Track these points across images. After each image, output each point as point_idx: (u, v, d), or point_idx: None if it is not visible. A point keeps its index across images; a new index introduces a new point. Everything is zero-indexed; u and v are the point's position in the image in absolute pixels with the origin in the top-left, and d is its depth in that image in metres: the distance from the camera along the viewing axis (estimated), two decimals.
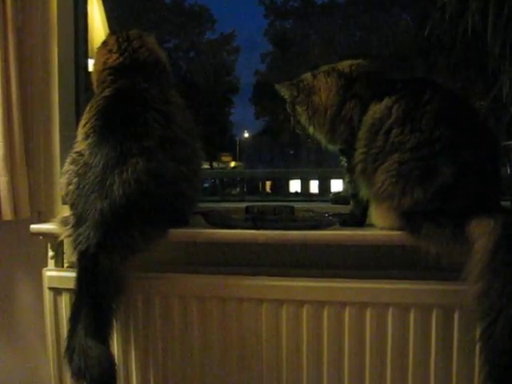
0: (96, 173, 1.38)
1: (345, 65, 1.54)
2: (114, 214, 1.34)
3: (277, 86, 1.61)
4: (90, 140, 1.44)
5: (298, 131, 1.62)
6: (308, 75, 1.58)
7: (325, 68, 1.57)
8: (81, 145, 1.46)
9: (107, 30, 2.27)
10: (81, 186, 1.40)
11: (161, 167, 1.39)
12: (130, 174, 1.35)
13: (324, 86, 1.52)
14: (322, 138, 1.57)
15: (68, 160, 1.49)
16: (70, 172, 1.45)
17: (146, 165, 1.37)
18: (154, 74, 1.54)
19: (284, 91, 1.60)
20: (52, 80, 1.83)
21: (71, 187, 1.44)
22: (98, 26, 2.23)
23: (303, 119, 1.57)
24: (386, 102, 1.39)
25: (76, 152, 1.47)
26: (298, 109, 1.57)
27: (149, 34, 1.64)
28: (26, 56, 1.79)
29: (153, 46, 1.62)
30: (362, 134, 1.42)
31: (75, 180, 1.43)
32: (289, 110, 1.61)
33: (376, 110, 1.40)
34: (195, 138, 1.53)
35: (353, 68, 1.52)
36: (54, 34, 1.82)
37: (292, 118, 1.61)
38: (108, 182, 1.36)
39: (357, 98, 1.47)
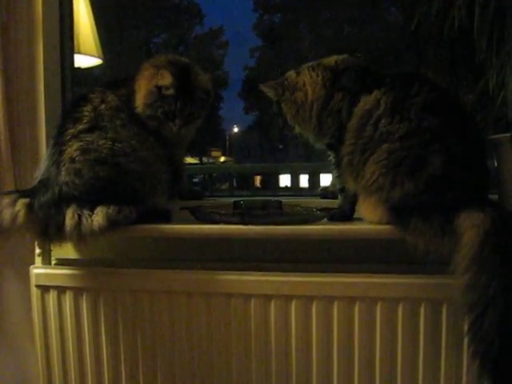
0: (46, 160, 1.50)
1: (330, 59, 1.54)
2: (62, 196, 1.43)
3: (261, 87, 1.60)
4: None
5: (287, 131, 1.61)
6: (291, 73, 1.57)
7: (309, 64, 1.57)
8: None
9: (93, 26, 2.26)
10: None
11: (92, 144, 1.46)
12: (66, 155, 1.45)
13: (309, 80, 1.51)
14: (310, 134, 1.56)
15: None
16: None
17: (79, 144, 1.46)
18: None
19: (269, 91, 1.58)
20: (37, 76, 1.80)
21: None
22: (84, 21, 2.22)
23: (289, 117, 1.56)
24: (376, 93, 1.40)
25: None
26: (284, 107, 1.56)
27: None
28: (10, 52, 1.77)
29: None
30: (351, 125, 1.42)
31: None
32: (275, 110, 1.60)
33: (366, 101, 1.41)
34: (132, 131, 1.53)
35: (338, 62, 1.52)
36: (39, 29, 1.79)
37: (280, 118, 1.59)
38: (53, 167, 1.46)
39: (345, 91, 1.46)
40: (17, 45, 1.79)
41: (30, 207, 1.44)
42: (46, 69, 1.81)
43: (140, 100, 1.53)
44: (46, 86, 1.81)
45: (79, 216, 1.41)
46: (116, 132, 1.49)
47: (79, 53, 2.17)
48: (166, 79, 1.50)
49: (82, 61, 2.22)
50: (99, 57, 2.30)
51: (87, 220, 1.41)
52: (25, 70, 1.80)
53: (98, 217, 1.42)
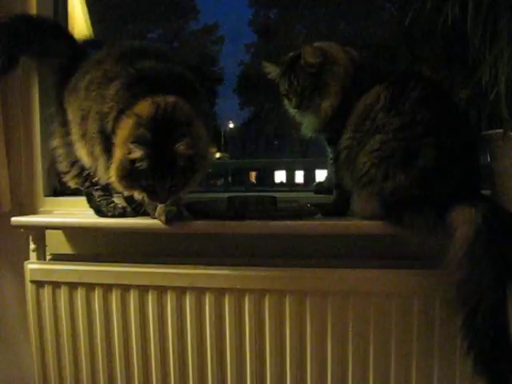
0: None
1: (353, 52, 1.52)
2: None
3: (303, 50, 1.46)
4: None
5: (301, 110, 1.51)
6: (321, 44, 1.51)
7: (331, 43, 1.52)
8: None
9: (88, 20, 2.25)
10: None
11: None
12: None
13: (341, 58, 1.48)
14: (323, 119, 1.49)
15: None
16: None
17: None
18: None
19: (309, 56, 1.46)
20: (31, 70, 1.80)
21: None
22: (78, 15, 2.21)
23: (332, 92, 1.46)
24: (377, 88, 1.41)
25: None
26: (327, 78, 1.46)
27: None
28: None
29: None
30: (351, 120, 1.43)
31: None
32: (304, 81, 1.47)
33: (367, 96, 1.42)
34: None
35: (358, 58, 1.51)
36: None
37: (303, 92, 1.47)
38: None
39: (358, 87, 1.45)
40: None
41: None
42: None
43: (113, 171, 1.30)
44: (40, 81, 1.81)
45: None
46: None
47: None
48: (137, 153, 1.24)
49: None
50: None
51: None
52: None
53: None
